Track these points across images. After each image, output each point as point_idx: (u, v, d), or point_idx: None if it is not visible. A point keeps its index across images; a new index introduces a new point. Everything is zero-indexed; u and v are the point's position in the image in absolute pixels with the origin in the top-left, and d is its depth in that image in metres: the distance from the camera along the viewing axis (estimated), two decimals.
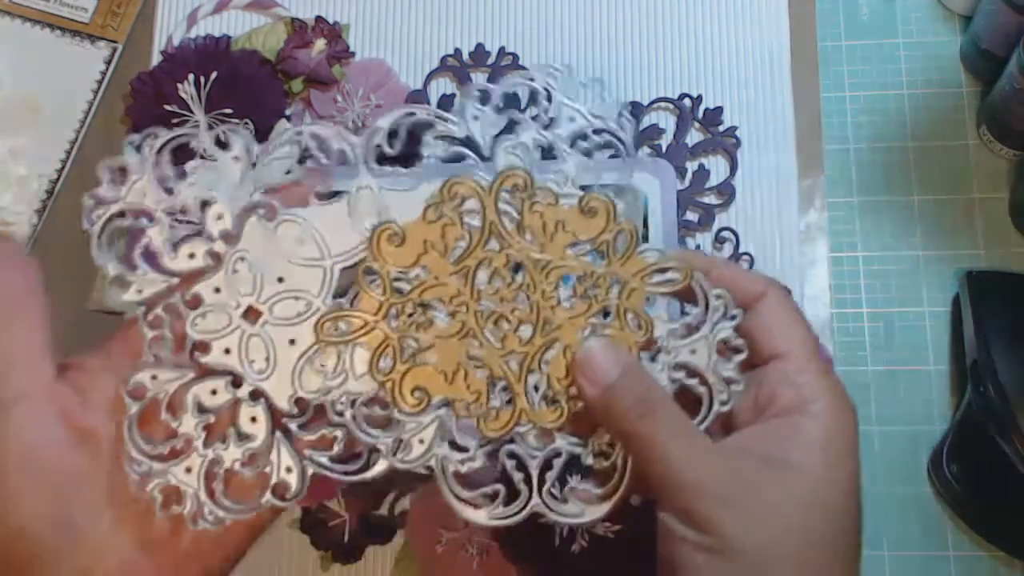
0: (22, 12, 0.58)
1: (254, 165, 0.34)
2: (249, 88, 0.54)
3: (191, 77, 0.55)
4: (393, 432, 0.31)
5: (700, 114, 0.53)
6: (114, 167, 0.32)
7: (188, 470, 0.31)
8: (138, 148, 0.32)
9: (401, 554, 0.49)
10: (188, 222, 0.33)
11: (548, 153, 0.35)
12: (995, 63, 0.51)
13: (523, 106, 0.36)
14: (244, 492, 0.32)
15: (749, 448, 0.30)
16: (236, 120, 0.54)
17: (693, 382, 0.32)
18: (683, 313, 0.33)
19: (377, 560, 0.49)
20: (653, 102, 0.54)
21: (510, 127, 0.35)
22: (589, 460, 0.32)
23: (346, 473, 0.32)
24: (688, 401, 0.31)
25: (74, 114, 0.56)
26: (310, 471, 0.32)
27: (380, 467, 0.32)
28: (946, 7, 0.55)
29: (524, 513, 0.31)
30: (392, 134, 0.34)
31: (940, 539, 0.48)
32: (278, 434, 0.32)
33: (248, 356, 0.32)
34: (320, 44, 0.55)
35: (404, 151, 0.34)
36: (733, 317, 0.32)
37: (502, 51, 0.55)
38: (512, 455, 0.32)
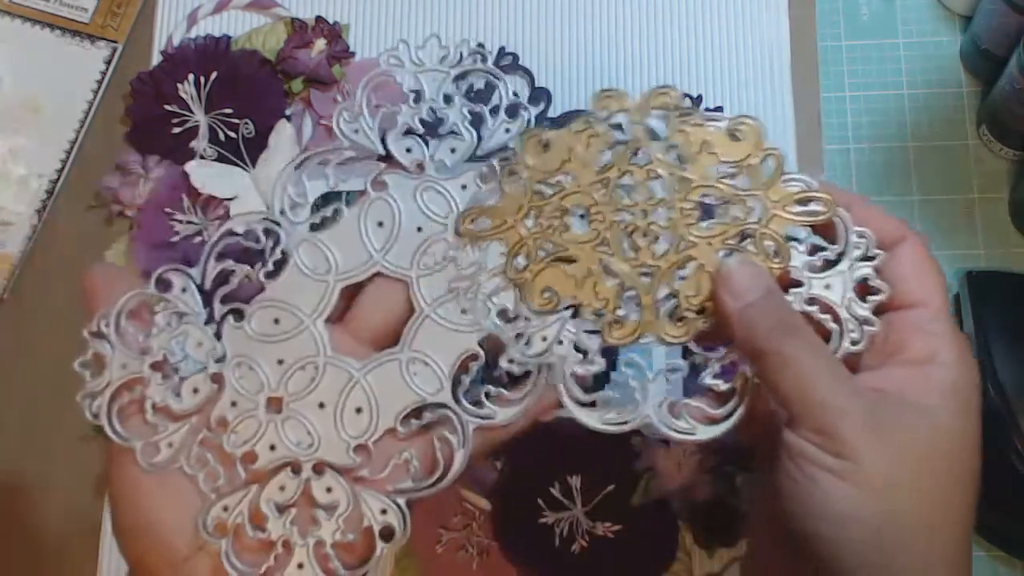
0: (22, 12, 0.58)
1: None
2: (249, 88, 0.54)
3: (191, 77, 0.55)
4: (517, 326, 0.32)
5: None
6: (89, 361, 0.33)
7: (300, 566, 0.31)
8: (99, 335, 0.33)
9: (401, 554, 0.49)
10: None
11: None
12: (995, 63, 0.51)
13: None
14: (355, 552, 0.32)
15: (881, 388, 0.30)
16: (236, 120, 0.54)
17: (824, 317, 0.31)
18: (818, 248, 0.32)
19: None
20: None
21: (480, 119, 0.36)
22: (708, 380, 0.32)
23: (431, 486, 0.32)
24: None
25: (74, 114, 0.56)
26: (402, 501, 0.32)
27: (457, 466, 0.32)
28: (946, 7, 0.55)
29: (635, 423, 0.32)
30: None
31: None
32: (357, 487, 0.32)
33: (292, 440, 0.32)
34: (320, 44, 0.55)
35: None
36: (873, 258, 0.31)
37: (502, 51, 0.55)
38: (631, 364, 0.32)
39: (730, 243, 0.32)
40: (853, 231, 0.31)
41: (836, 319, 0.31)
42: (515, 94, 0.36)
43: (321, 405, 0.33)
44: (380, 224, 0.34)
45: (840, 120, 0.54)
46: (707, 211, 0.32)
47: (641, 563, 0.47)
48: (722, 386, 0.32)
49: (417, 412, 0.33)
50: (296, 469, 0.32)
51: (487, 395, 0.33)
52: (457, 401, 0.33)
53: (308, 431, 0.32)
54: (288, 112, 0.54)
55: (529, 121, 0.36)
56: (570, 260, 0.32)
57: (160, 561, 0.31)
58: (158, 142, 0.54)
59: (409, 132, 0.35)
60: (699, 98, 0.54)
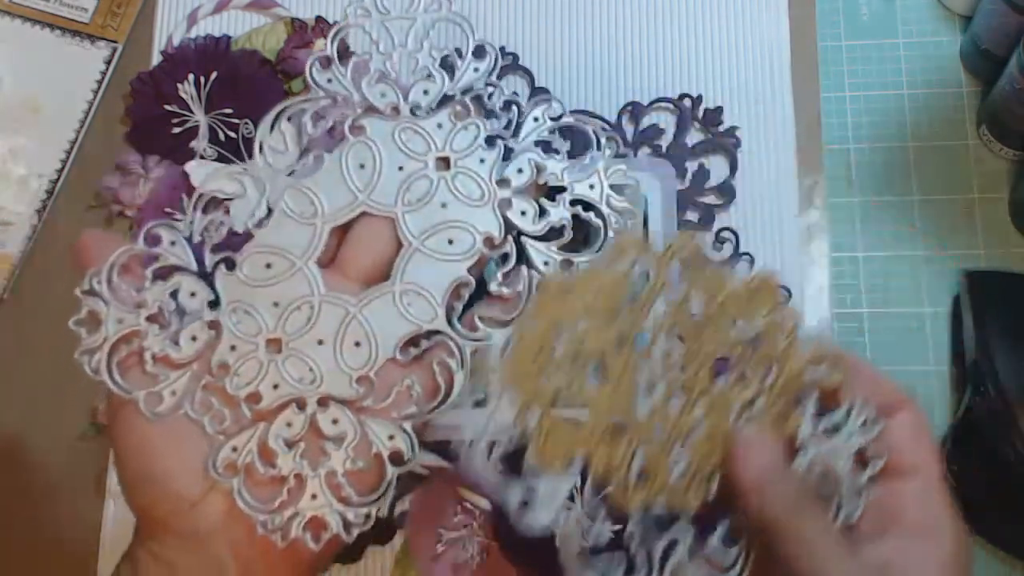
0: (22, 12, 0.58)
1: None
2: (249, 88, 0.54)
3: (191, 77, 0.55)
4: (522, 485, 0.31)
5: (700, 114, 0.53)
6: (84, 318, 0.33)
7: (313, 496, 0.32)
8: (92, 292, 0.33)
9: (401, 554, 0.49)
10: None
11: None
12: (995, 63, 0.51)
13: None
14: (366, 481, 0.33)
15: (881, 563, 0.30)
16: (236, 120, 0.54)
17: (824, 482, 0.31)
18: (820, 414, 0.32)
19: (377, 560, 0.49)
20: (653, 102, 0.54)
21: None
22: (715, 542, 0.31)
23: (433, 409, 0.33)
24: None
25: (74, 114, 0.56)
26: (408, 426, 0.33)
27: (457, 387, 0.33)
28: (946, 7, 0.55)
29: None
30: None
31: None
32: (362, 417, 0.33)
33: (295, 378, 0.33)
34: (320, 44, 0.55)
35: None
36: (873, 426, 0.31)
37: (502, 51, 0.55)
38: (637, 533, 0.31)
39: (742, 407, 0.31)
40: (859, 399, 0.31)
41: (836, 486, 0.31)
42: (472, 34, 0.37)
43: (320, 342, 0.33)
44: (362, 166, 0.35)
45: (840, 120, 0.54)
46: (720, 368, 0.32)
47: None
48: (728, 557, 0.31)
49: (414, 340, 0.33)
50: (301, 405, 0.33)
51: (480, 318, 0.34)
52: (452, 326, 0.33)
53: (310, 368, 0.33)
54: None
55: (496, 59, 0.37)
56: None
57: (169, 509, 0.32)
58: (158, 142, 0.54)
59: (382, 78, 0.36)
60: (699, 98, 0.54)
